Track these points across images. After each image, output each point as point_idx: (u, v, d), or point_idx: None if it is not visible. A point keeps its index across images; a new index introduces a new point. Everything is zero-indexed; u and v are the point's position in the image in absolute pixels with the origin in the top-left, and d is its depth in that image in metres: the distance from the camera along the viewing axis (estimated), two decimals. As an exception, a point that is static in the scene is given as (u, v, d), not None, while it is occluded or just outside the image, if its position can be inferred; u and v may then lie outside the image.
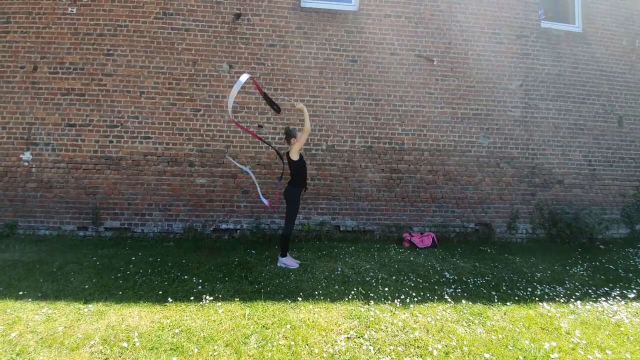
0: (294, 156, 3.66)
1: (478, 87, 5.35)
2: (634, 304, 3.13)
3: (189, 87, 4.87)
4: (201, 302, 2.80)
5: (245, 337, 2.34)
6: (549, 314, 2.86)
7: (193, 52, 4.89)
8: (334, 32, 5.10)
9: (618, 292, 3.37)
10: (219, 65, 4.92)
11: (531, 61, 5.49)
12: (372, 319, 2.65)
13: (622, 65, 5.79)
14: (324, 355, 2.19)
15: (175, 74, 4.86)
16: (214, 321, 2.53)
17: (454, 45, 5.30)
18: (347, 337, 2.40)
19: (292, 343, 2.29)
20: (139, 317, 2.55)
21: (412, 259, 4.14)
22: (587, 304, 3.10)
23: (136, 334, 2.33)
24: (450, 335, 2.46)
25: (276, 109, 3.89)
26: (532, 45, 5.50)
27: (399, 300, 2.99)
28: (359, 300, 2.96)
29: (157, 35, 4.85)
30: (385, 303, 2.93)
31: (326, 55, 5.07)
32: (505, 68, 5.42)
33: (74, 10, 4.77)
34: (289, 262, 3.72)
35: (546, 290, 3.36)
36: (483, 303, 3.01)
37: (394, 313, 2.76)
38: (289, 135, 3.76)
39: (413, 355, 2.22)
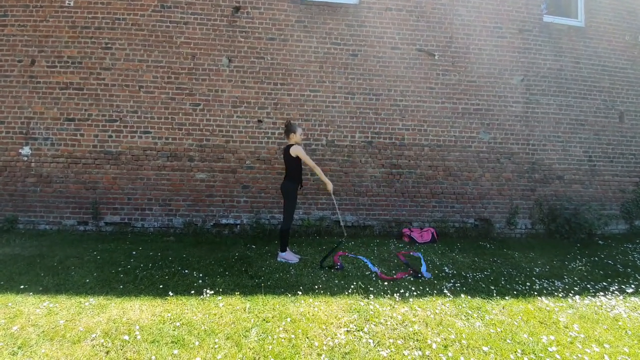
0: (294, 154, 3.65)
1: (479, 82, 5.32)
2: (632, 298, 3.15)
3: (188, 81, 4.84)
4: (202, 296, 2.82)
5: (246, 330, 2.35)
6: (547, 308, 2.88)
7: (192, 45, 4.85)
8: (334, 25, 5.05)
9: (616, 287, 3.39)
10: (218, 59, 4.88)
11: (533, 56, 5.45)
12: (371, 312, 2.66)
13: (623, 60, 5.75)
14: (324, 348, 2.20)
15: (174, 67, 4.82)
16: (215, 314, 2.54)
17: (455, 39, 5.26)
18: (347, 331, 2.41)
19: (293, 336, 2.31)
20: (140, 310, 2.57)
21: (411, 254, 4.15)
22: (586, 298, 3.12)
23: (137, 327, 2.34)
24: (449, 329, 2.48)
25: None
26: (534, 39, 5.46)
27: (398, 294, 3.01)
28: (358, 294, 2.98)
29: (156, 29, 4.80)
30: (384, 297, 2.94)
31: (326, 49, 5.04)
32: (506, 63, 5.38)
33: (71, 3, 4.71)
34: (288, 256, 3.73)
35: (545, 285, 3.37)
36: (482, 297, 3.03)
37: (394, 307, 2.78)
38: (289, 129, 3.74)
39: (412, 348, 2.24)
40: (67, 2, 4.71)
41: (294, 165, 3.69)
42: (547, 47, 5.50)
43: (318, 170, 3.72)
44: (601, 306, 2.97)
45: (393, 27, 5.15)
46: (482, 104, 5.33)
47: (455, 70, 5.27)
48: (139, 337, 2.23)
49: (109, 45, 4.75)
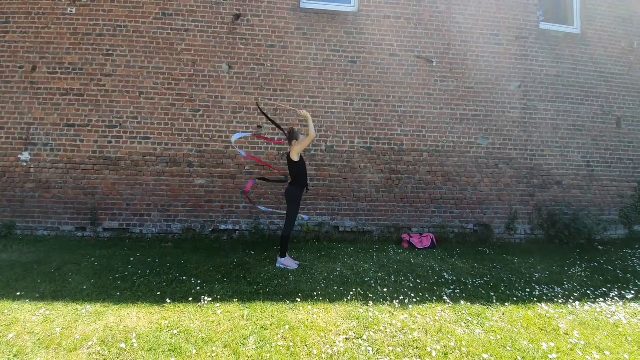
0: (295, 157, 3.66)
1: (477, 88, 5.36)
2: (632, 304, 3.13)
3: (188, 87, 4.87)
4: (200, 303, 2.80)
5: (244, 338, 2.33)
6: (547, 314, 2.87)
7: (192, 52, 4.89)
8: (333, 33, 5.10)
9: (616, 293, 3.38)
10: (218, 65, 4.92)
11: (530, 62, 5.50)
12: (371, 319, 2.65)
13: (620, 66, 5.81)
14: (323, 356, 2.18)
15: (175, 74, 4.86)
16: (213, 322, 2.52)
17: (453, 46, 5.31)
18: (346, 338, 2.40)
19: (291, 344, 2.29)
20: (137, 318, 2.55)
21: (411, 259, 4.14)
22: (586, 304, 3.10)
23: (134, 335, 2.32)
24: (448, 336, 2.46)
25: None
26: (531, 46, 5.51)
27: (397, 301, 2.99)
28: (357, 301, 2.96)
29: (157, 36, 4.85)
30: (384, 304, 2.93)
31: (326, 56, 5.08)
32: (504, 69, 5.43)
33: (73, 11, 4.76)
34: (288, 262, 3.72)
35: (545, 291, 3.36)
36: (482, 304, 3.01)
37: (393, 314, 2.76)
38: (292, 137, 3.75)
39: (412, 356, 2.22)
40: (69, 9, 4.76)
41: (296, 171, 3.70)
42: (544, 54, 5.55)
43: (311, 129, 3.58)
44: (601, 312, 2.96)
45: (391, 34, 5.21)
46: (480, 110, 5.36)
47: (453, 76, 5.32)
48: (135, 345, 2.21)
49: (110, 52, 4.79)
